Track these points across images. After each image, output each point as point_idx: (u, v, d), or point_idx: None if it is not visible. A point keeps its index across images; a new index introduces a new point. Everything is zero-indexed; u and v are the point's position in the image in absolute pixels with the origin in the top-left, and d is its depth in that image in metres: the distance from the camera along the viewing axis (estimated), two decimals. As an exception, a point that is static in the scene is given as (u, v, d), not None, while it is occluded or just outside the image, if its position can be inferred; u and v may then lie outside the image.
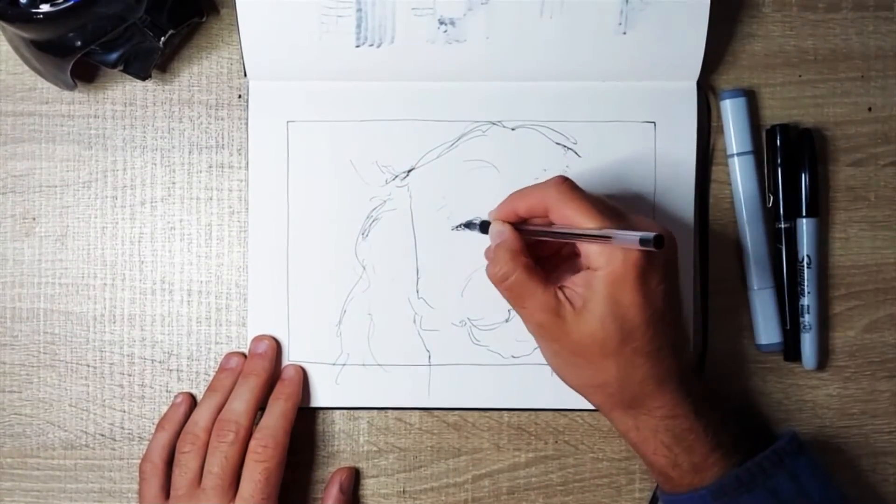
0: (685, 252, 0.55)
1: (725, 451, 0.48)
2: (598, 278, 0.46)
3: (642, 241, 0.42)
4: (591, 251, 0.46)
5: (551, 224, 0.49)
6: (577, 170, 0.55)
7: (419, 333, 0.55)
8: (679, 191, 0.55)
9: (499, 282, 0.48)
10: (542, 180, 0.54)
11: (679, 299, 0.49)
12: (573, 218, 0.47)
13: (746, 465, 0.48)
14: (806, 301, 0.55)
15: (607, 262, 0.46)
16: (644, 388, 0.48)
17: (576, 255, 0.49)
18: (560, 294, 0.47)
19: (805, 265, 0.55)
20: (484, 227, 0.52)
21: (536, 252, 0.50)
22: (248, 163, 0.55)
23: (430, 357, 0.55)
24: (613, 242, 0.45)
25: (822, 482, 0.49)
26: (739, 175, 0.55)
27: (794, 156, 0.55)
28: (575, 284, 0.47)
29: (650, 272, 0.46)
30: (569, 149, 0.55)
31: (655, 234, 0.42)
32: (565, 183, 0.48)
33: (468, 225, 0.54)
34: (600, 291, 0.46)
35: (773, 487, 0.48)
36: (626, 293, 0.46)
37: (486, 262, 0.54)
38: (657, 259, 0.46)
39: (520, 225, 0.50)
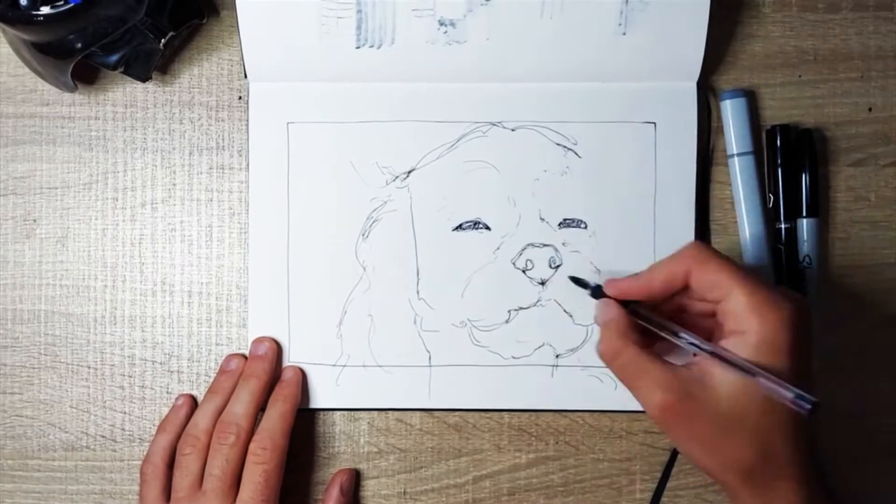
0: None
1: None
2: (745, 340, 0.43)
3: (797, 400, 0.40)
4: (741, 311, 0.43)
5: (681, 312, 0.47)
6: (577, 171, 0.55)
7: (419, 334, 0.55)
8: (679, 191, 0.55)
9: (610, 360, 0.46)
10: (542, 181, 0.55)
11: (813, 373, 0.45)
12: (718, 277, 0.44)
13: None
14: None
15: (761, 322, 0.43)
16: (787, 470, 0.44)
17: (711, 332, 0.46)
18: (683, 371, 0.44)
19: (805, 265, 0.55)
20: (597, 292, 0.49)
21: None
22: (248, 164, 0.55)
23: (430, 358, 0.55)
24: (760, 386, 0.42)
25: None
26: (740, 175, 0.55)
27: (794, 156, 0.55)
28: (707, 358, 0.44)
29: (801, 341, 0.43)
30: (569, 149, 0.55)
31: (814, 399, 0.40)
32: (701, 244, 0.46)
33: (578, 282, 0.51)
34: (746, 353, 0.43)
35: None
36: (775, 358, 0.42)
37: (486, 264, 0.54)
38: (806, 326, 0.43)
39: (648, 314, 0.47)
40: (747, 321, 0.43)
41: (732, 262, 0.45)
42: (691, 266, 0.45)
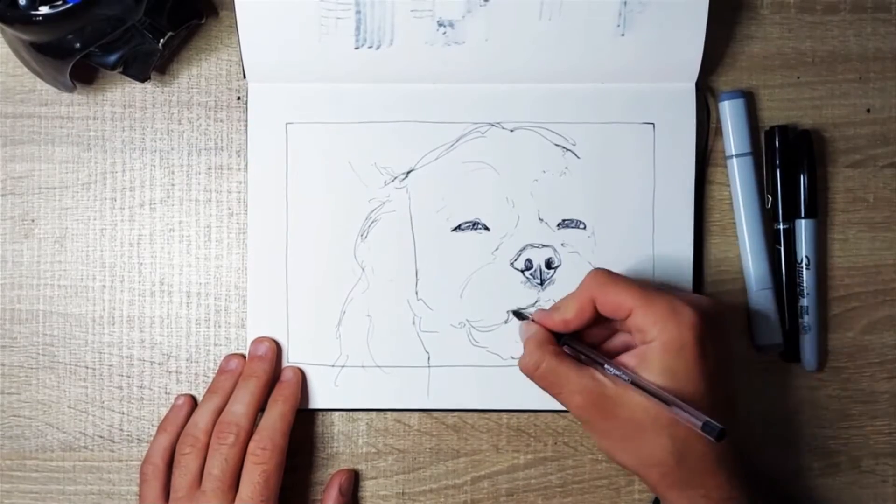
0: (683, 253, 0.55)
1: None
2: (652, 349, 0.46)
3: (705, 428, 0.43)
4: (643, 324, 0.46)
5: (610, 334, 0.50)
6: (576, 171, 0.55)
7: (418, 335, 0.55)
8: (678, 192, 0.55)
9: (531, 371, 0.48)
10: (541, 181, 0.55)
11: (731, 373, 0.49)
12: (619, 298, 0.47)
13: None
14: (805, 302, 0.55)
15: (661, 330, 0.46)
16: (703, 464, 0.46)
17: (626, 343, 0.50)
18: (598, 374, 0.47)
19: (804, 266, 0.55)
20: (524, 317, 0.54)
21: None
22: (247, 164, 0.55)
23: (429, 358, 0.55)
24: (675, 415, 0.44)
25: None
26: (738, 176, 0.55)
27: (792, 157, 0.55)
28: (625, 362, 0.47)
29: (707, 341, 0.46)
30: (567, 150, 0.55)
31: (721, 427, 0.42)
32: (600, 271, 0.49)
33: (518, 314, 0.54)
34: (654, 361, 0.46)
35: None
36: (681, 361, 0.45)
37: (485, 264, 0.55)
38: (714, 326, 0.46)
39: (577, 346, 0.49)
40: (650, 331, 0.46)
41: (632, 281, 0.48)
42: (594, 293, 0.48)
